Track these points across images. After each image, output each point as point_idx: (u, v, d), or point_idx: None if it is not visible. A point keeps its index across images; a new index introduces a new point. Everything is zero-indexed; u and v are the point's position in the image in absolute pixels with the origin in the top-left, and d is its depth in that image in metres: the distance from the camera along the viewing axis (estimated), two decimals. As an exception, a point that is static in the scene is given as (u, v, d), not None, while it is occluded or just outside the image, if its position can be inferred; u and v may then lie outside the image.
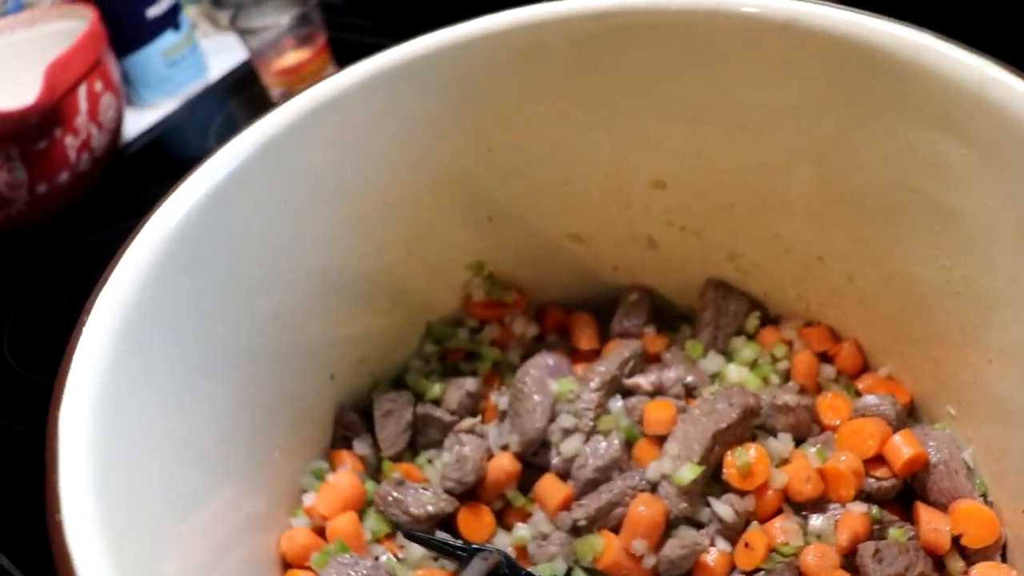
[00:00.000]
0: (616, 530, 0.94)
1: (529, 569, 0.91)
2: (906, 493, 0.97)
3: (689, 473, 0.92)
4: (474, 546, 0.88)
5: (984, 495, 0.94)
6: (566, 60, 0.96)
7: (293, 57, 1.68)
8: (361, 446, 1.07)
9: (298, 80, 1.66)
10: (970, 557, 0.90)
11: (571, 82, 0.98)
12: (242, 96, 1.84)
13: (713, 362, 1.08)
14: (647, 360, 1.10)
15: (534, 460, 1.02)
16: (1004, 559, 0.90)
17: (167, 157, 1.79)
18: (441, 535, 0.96)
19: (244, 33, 1.65)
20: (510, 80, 0.97)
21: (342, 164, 0.96)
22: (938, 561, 0.90)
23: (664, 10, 0.90)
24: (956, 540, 0.90)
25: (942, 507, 0.93)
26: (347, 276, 1.02)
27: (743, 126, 0.96)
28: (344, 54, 1.77)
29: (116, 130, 1.69)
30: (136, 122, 1.87)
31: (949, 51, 0.79)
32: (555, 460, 1.00)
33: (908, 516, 0.95)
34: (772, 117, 0.94)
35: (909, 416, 1.02)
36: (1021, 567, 0.86)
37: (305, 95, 0.93)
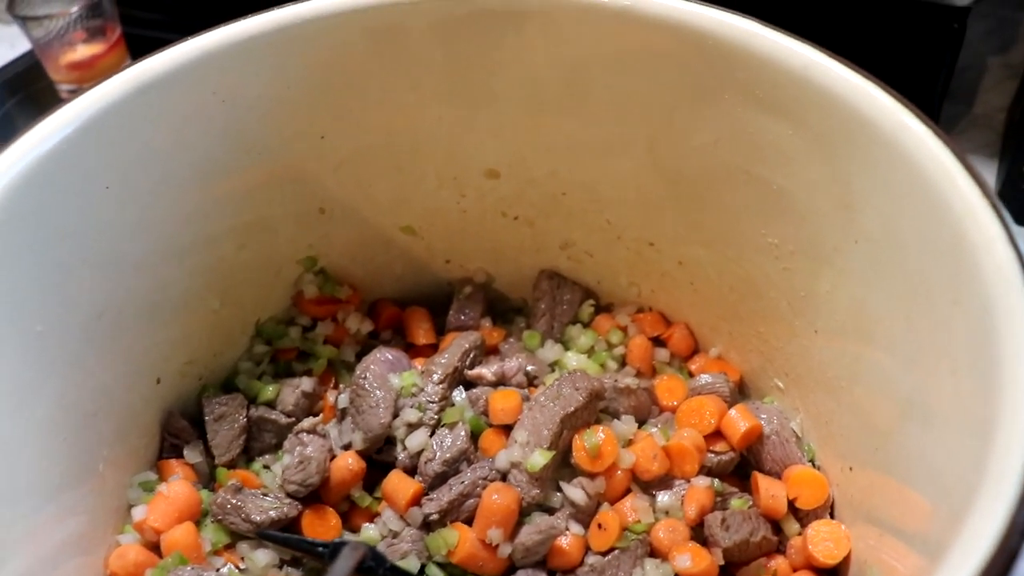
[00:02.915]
0: (469, 522, 0.92)
1: (384, 567, 0.88)
2: (741, 465, 1.01)
3: (540, 459, 0.91)
4: (336, 541, 0.84)
5: (812, 460, 0.99)
6: (421, 43, 0.94)
7: (85, 50, 1.56)
8: (192, 454, 1.00)
9: (92, 75, 1.54)
10: (803, 519, 0.95)
11: (416, 66, 0.96)
12: (24, 93, 1.69)
13: (551, 351, 1.09)
14: (486, 352, 1.09)
15: (379, 458, 0.99)
16: (832, 516, 0.95)
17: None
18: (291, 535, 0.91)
19: (26, 21, 1.51)
20: (352, 62, 0.94)
21: (168, 150, 0.90)
22: (775, 525, 0.95)
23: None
24: (791, 503, 0.94)
25: (776, 475, 0.98)
26: (174, 271, 0.96)
27: (580, 112, 0.97)
28: (139, 51, 1.66)
29: None
30: None
31: (776, 38, 0.83)
32: (401, 456, 0.98)
33: (745, 487, 0.99)
34: (608, 103, 0.95)
35: (739, 393, 1.07)
36: (848, 521, 0.92)
37: (129, 72, 0.86)
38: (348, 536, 0.96)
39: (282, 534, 0.90)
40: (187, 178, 0.93)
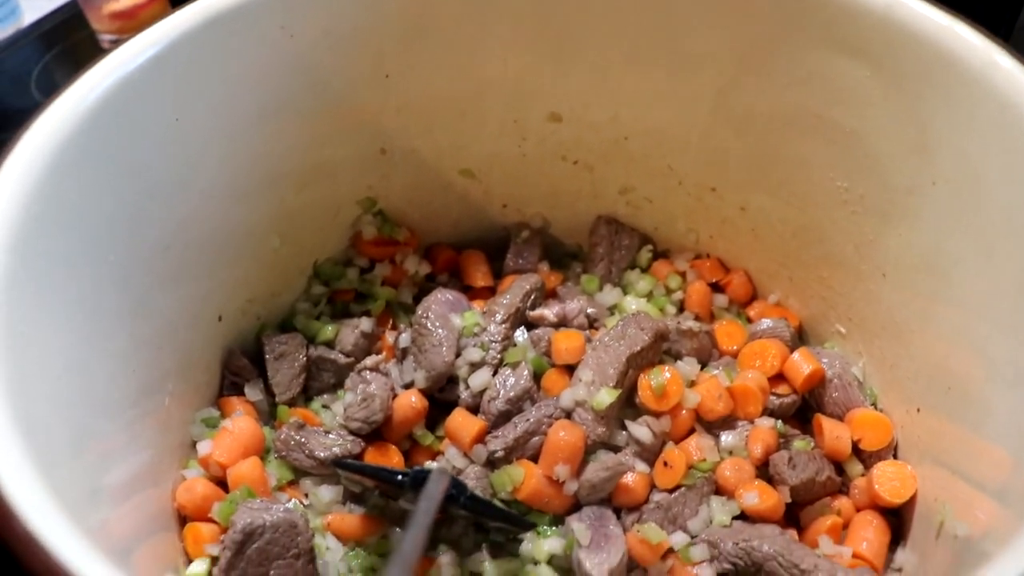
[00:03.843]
0: (533, 459, 0.92)
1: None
2: (802, 409, 1.01)
3: (607, 397, 0.91)
4: (415, 468, 0.84)
5: (874, 404, 0.99)
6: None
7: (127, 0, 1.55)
8: (253, 392, 1.00)
9: (134, 25, 1.53)
10: (867, 460, 0.95)
11: (492, 7, 0.95)
12: (65, 43, 1.67)
13: (610, 295, 1.08)
14: (545, 295, 1.08)
15: (441, 396, 0.99)
16: (895, 458, 0.95)
17: (-24, 109, 1.61)
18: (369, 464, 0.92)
19: (71, -30, 1.51)
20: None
21: (235, 84, 0.89)
22: (838, 466, 0.95)
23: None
24: (855, 445, 0.94)
25: (838, 418, 0.98)
26: (238, 209, 0.95)
27: (645, 56, 0.96)
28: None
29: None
30: (-65, 71, 1.67)
31: (857, -26, 0.83)
32: (464, 394, 0.98)
33: (806, 430, 0.99)
34: (675, 47, 0.95)
35: (799, 339, 1.06)
36: (914, 462, 0.92)
37: (198, 4, 0.85)
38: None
39: (357, 462, 0.90)
40: (252, 114, 0.93)
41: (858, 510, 0.93)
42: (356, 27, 0.94)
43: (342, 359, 1.02)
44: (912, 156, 0.85)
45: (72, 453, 0.71)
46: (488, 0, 0.95)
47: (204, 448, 0.92)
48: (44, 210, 0.72)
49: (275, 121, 0.95)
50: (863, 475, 0.94)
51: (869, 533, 0.89)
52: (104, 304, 0.80)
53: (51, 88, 1.64)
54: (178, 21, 0.84)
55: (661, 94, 1.00)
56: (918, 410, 0.91)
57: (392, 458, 0.96)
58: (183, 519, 0.89)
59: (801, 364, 0.98)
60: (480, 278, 1.11)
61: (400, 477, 0.83)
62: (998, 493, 0.71)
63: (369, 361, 1.00)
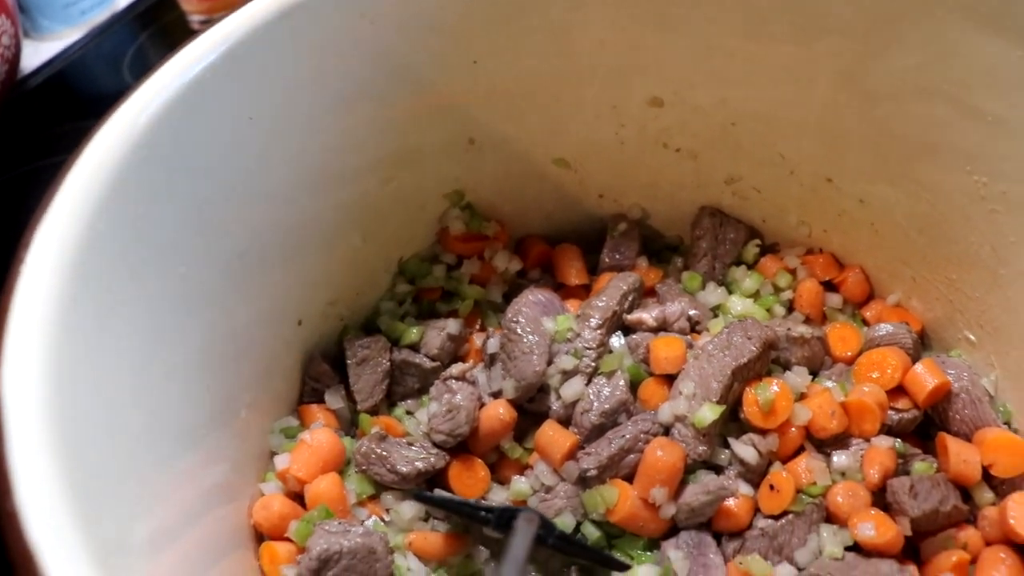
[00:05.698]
0: (628, 478, 0.86)
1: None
2: (922, 424, 0.92)
3: (709, 414, 0.84)
4: (501, 507, 0.79)
5: (1008, 423, 0.89)
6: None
7: (216, -21, 1.52)
8: (333, 399, 0.96)
9: (223, 5, 1.51)
10: (998, 488, 0.86)
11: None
12: (157, 25, 1.67)
13: (714, 294, 1.01)
14: (642, 294, 1.01)
15: (530, 406, 0.93)
16: (1032, 488, 0.85)
17: (72, 94, 1.61)
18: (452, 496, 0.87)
19: (159, -50, 1.48)
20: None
21: (313, 77, 0.84)
22: (964, 492, 0.86)
23: None
24: (985, 470, 0.85)
25: (965, 436, 0.88)
26: (318, 208, 0.91)
27: (763, 30, 0.87)
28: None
29: (12, 61, 1.50)
30: (34, 54, 1.68)
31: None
32: (555, 405, 0.92)
33: (927, 448, 0.90)
34: (795, 20, 0.85)
35: (920, 345, 0.97)
36: (1055, 495, 0.82)
37: (273, -7, 0.80)
38: (497, 489, 0.91)
39: (439, 496, 0.85)
40: (332, 107, 0.87)
41: (988, 544, 0.84)
42: (442, 11, 0.88)
43: (427, 363, 0.98)
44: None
45: (139, 488, 0.67)
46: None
47: (282, 462, 0.89)
48: (107, 226, 0.67)
49: (356, 113, 0.90)
50: (994, 504, 0.85)
51: (1002, 572, 0.80)
52: (174, 320, 0.76)
53: (143, 71, 1.64)
54: (250, 14, 0.79)
55: (774, 75, 0.91)
56: (1063, 438, 0.81)
57: (478, 472, 0.91)
58: (259, 536, 0.86)
59: (925, 377, 0.89)
60: (574, 276, 1.05)
61: (484, 513, 0.78)
62: None
63: (455, 369, 0.94)
